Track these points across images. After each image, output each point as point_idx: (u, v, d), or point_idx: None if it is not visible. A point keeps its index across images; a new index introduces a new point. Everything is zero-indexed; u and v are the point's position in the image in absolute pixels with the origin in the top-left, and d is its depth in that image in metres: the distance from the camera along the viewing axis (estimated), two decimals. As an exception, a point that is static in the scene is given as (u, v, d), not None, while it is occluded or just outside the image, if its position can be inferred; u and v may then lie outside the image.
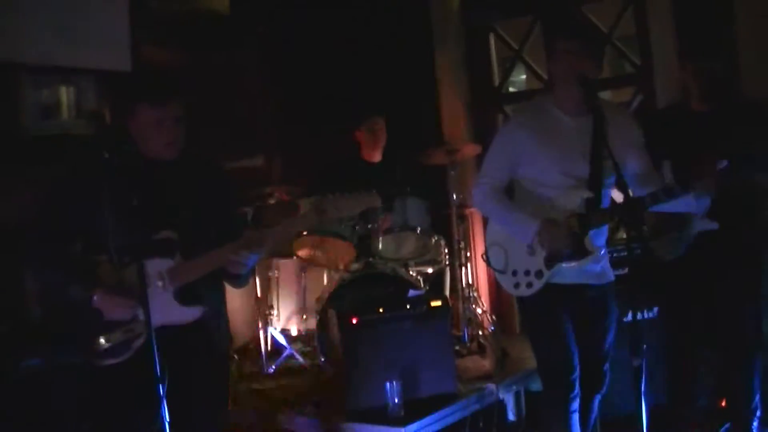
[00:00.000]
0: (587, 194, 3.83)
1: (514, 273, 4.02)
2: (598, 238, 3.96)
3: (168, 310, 3.42)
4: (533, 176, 3.93)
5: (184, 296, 3.48)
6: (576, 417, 3.99)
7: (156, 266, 3.43)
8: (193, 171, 3.62)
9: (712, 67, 4.58)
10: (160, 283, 3.44)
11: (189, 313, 3.49)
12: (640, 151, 3.97)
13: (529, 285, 3.96)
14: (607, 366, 4.13)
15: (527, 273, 3.96)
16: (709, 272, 4.69)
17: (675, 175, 4.67)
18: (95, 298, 3.41)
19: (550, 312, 3.97)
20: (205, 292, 3.56)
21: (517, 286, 4.02)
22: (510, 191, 4.13)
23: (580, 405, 4.03)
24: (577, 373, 3.96)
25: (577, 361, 3.96)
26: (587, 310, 4.03)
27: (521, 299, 4.11)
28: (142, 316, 3.33)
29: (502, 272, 4.09)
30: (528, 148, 3.90)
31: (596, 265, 3.99)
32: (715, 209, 4.50)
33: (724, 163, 4.36)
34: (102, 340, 3.41)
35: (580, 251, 3.85)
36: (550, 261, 3.89)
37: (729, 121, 4.55)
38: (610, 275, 4.10)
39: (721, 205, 4.48)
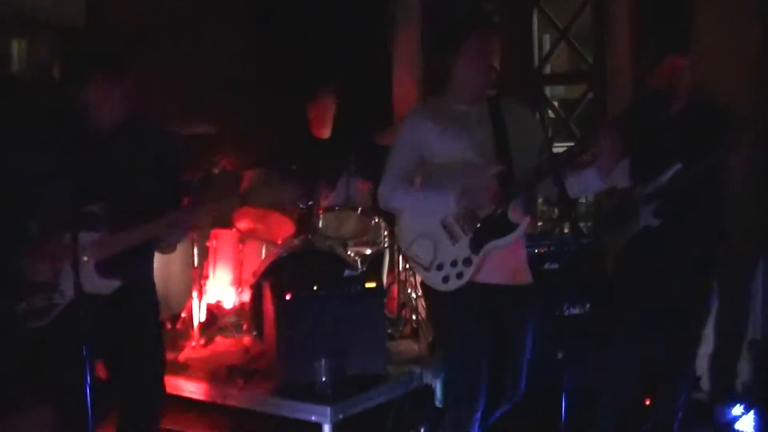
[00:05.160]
0: (497, 169, 3.74)
1: (440, 267, 3.85)
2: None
3: (88, 280, 3.38)
4: (441, 162, 3.87)
5: (104, 269, 3.53)
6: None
7: (81, 239, 3.39)
8: (135, 140, 3.64)
9: (686, 67, 4.58)
10: (84, 256, 3.45)
11: (107, 285, 3.53)
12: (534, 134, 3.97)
13: (460, 275, 3.80)
14: (523, 374, 4.03)
15: (454, 263, 3.81)
16: (655, 269, 4.72)
17: (635, 174, 4.72)
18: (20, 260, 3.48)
19: (467, 313, 3.85)
20: (127, 265, 3.59)
21: (446, 279, 3.84)
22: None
23: (486, 412, 3.98)
24: (484, 382, 3.87)
25: (485, 369, 3.86)
26: (505, 312, 3.94)
27: (437, 294, 3.94)
28: (63, 285, 3.44)
29: (426, 269, 3.90)
30: (432, 135, 3.87)
31: (514, 263, 3.93)
32: (665, 207, 4.54)
33: (679, 165, 4.44)
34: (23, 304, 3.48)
35: (506, 227, 3.77)
36: (477, 244, 3.79)
37: (692, 122, 4.57)
38: (530, 276, 4.01)
39: (672, 204, 4.53)
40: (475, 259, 3.79)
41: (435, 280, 3.88)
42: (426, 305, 4.97)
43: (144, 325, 3.80)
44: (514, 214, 3.78)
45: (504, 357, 3.96)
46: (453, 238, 3.81)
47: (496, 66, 3.82)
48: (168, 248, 3.81)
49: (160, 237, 3.63)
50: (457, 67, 3.89)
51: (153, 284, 3.91)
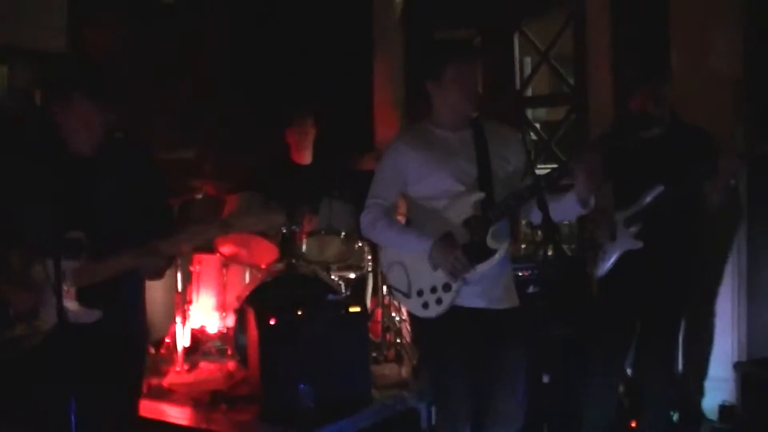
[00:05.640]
0: (478, 196, 3.73)
1: (420, 293, 3.79)
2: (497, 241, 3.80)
3: (68, 310, 3.25)
4: (423, 190, 3.84)
5: (86, 298, 3.39)
6: None
7: (62, 266, 3.23)
8: (117, 166, 3.52)
9: (665, 91, 4.60)
10: (65, 285, 3.28)
11: (89, 315, 3.39)
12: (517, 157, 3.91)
13: (439, 301, 3.74)
14: (519, 399, 3.91)
15: (434, 290, 3.75)
16: (636, 290, 4.72)
17: (616, 197, 4.72)
18: None
19: (448, 339, 3.78)
20: (111, 294, 3.44)
21: (425, 306, 3.78)
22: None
23: None
24: (469, 408, 3.81)
25: (466, 394, 3.80)
26: (491, 335, 3.84)
27: (419, 321, 3.88)
28: (43, 314, 3.33)
29: (406, 295, 3.85)
30: (415, 163, 3.82)
31: (497, 286, 3.86)
32: (646, 230, 4.54)
33: (660, 187, 4.46)
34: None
35: (483, 252, 3.71)
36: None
37: (673, 144, 4.59)
38: (515, 299, 3.95)
39: (652, 227, 4.53)
40: (455, 285, 3.73)
41: (415, 306, 3.84)
42: (410, 330, 4.96)
43: (124, 358, 3.60)
44: (493, 239, 3.74)
45: (496, 382, 3.89)
46: (433, 264, 3.74)
47: (479, 91, 3.82)
48: (155, 275, 3.58)
49: (144, 266, 3.46)
50: (439, 95, 3.86)
51: (140, 316, 3.76)
